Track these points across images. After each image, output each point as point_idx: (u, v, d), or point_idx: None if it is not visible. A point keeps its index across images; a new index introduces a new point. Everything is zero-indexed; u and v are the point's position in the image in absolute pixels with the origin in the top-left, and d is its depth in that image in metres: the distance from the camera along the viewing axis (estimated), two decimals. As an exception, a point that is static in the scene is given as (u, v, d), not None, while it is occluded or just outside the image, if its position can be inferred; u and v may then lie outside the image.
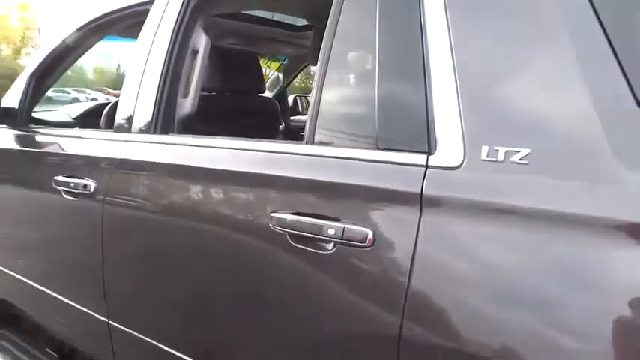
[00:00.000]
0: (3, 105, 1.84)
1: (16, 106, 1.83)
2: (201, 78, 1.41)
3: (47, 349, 1.99)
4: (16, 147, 1.82)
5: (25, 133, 1.81)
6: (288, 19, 2.11)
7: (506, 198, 0.76)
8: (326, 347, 0.97)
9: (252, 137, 1.16)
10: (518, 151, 0.75)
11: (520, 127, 0.78)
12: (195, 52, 1.41)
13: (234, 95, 1.91)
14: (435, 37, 0.86)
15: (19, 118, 1.83)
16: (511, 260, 0.76)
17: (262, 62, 2.86)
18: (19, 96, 1.84)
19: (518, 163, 0.75)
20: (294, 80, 3.41)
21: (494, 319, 0.76)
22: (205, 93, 1.55)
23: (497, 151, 0.77)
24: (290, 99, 3.33)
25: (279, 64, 3.10)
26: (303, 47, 2.28)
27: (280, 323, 1.04)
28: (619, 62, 0.70)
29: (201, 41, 1.41)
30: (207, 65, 1.44)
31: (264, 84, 2.12)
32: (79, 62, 2.03)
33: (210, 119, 1.47)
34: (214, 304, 1.20)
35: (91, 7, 1.70)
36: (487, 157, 0.78)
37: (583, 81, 0.72)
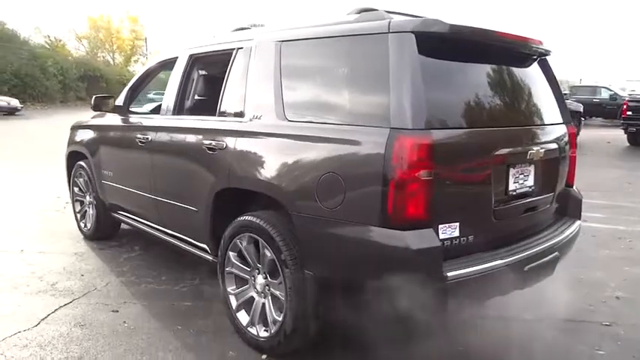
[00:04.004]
0: (116, 104, 3.84)
1: (122, 104, 3.80)
2: (195, 91, 3.27)
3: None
4: (121, 124, 3.79)
5: (125, 117, 3.78)
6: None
7: (253, 128, 2.51)
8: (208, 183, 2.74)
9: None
10: (259, 115, 2.51)
11: (259, 109, 2.53)
12: (193, 79, 3.27)
13: (213, 99, 3.75)
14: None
15: (123, 110, 3.80)
16: (256, 148, 2.50)
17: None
18: (123, 99, 3.81)
19: (258, 119, 2.51)
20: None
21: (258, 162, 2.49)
22: (198, 98, 3.38)
23: (255, 116, 2.54)
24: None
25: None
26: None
27: (197, 178, 2.83)
28: (281, 91, 2.42)
29: (195, 74, 3.26)
30: (198, 85, 3.29)
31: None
32: (161, 74, 3.96)
33: (200, 108, 3.30)
34: (184, 177, 3.02)
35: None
36: (251, 119, 2.54)
37: (270, 94, 2.46)
